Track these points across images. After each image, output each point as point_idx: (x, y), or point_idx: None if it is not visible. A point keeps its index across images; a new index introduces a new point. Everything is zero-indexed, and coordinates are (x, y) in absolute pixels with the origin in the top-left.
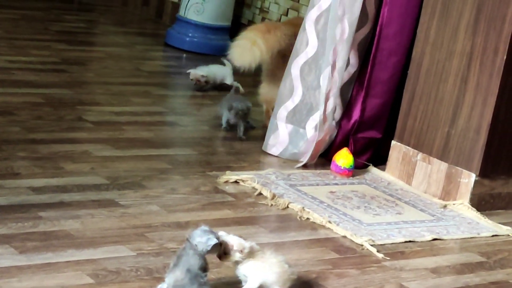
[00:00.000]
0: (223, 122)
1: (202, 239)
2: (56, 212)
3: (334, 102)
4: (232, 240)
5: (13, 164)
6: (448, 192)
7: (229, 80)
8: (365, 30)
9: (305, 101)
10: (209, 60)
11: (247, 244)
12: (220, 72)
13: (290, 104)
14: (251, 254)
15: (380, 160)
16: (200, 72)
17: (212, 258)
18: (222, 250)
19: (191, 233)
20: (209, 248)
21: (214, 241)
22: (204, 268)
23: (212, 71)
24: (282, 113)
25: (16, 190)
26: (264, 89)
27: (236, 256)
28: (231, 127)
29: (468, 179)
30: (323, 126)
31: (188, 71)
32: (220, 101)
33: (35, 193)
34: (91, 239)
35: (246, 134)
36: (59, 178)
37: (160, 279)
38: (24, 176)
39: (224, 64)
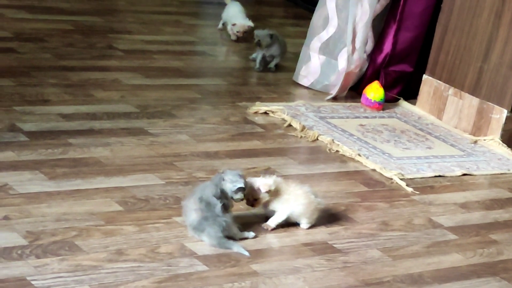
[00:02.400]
0: (257, 62)
1: (233, 178)
2: (85, 139)
3: (365, 34)
4: (256, 183)
5: (44, 91)
6: (479, 127)
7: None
8: None
9: (340, 33)
10: None
11: (271, 181)
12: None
13: (324, 35)
14: (277, 189)
15: (411, 94)
16: (247, 22)
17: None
18: (250, 196)
19: (226, 169)
20: (234, 189)
21: (241, 184)
22: (220, 197)
23: (244, 15)
24: (315, 43)
25: (46, 117)
26: None
27: (265, 197)
28: (266, 64)
29: (500, 114)
30: (352, 57)
31: (233, 23)
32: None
33: (65, 120)
34: (120, 167)
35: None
36: (89, 106)
37: None
38: (54, 103)
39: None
